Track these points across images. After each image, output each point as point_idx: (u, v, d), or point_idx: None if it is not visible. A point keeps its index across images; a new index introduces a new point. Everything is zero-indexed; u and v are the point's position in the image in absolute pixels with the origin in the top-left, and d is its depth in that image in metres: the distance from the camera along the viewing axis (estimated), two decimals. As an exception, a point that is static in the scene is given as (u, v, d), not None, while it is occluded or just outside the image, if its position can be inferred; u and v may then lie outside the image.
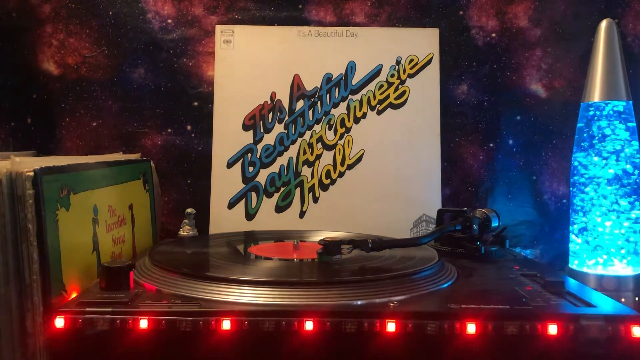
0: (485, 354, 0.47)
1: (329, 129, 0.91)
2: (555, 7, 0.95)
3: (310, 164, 0.91)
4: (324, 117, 0.91)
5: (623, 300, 0.75)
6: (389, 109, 0.91)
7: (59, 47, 0.95)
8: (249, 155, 0.90)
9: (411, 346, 0.47)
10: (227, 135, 0.90)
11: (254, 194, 0.90)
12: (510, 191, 0.97)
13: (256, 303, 0.49)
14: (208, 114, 0.92)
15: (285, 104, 0.91)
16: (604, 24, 0.80)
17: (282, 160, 0.91)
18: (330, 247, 0.61)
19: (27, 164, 0.54)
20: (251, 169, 0.90)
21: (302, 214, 0.90)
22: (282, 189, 0.90)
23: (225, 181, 0.90)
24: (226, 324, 0.46)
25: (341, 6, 0.95)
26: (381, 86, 0.91)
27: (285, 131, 0.91)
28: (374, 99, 0.91)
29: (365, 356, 0.47)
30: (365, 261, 0.62)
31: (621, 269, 0.77)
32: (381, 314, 0.47)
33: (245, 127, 0.91)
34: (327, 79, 0.91)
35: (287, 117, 0.91)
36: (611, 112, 0.79)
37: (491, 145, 0.96)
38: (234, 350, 0.46)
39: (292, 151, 0.91)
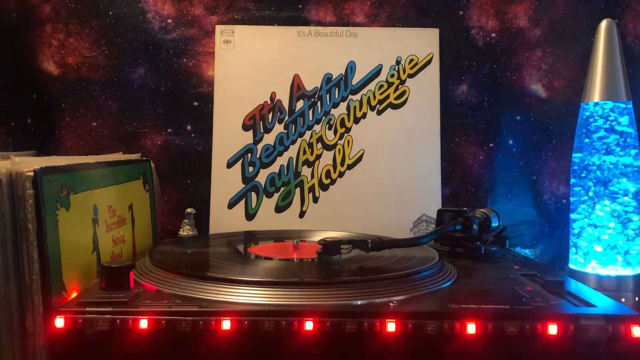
0: (485, 354, 0.47)
1: (329, 129, 0.91)
2: (555, 7, 0.95)
3: (310, 164, 0.91)
4: (324, 117, 0.91)
5: (623, 300, 0.75)
6: (389, 109, 0.91)
7: (59, 47, 0.95)
8: (249, 155, 0.90)
9: (411, 346, 0.47)
10: (227, 135, 0.90)
11: (254, 194, 0.90)
12: (510, 191, 0.97)
13: (256, 303, 0.49)
14: (208, 114, 0.92)
15: (285, 104, 0.91)
16: (604, 24, 0.80)
17: (282, 160, 0.91)
18: (330, 247, 0.61)
19: (27, 164, 0.53)
20: (251, 169, 0.90)
21: (302, 214, 0.90)
22: (282, 189, 0.90)
23: (225, 181, 0.90)
24: (226, 324, 0.46)
25: (341, 6, 0.95)
26: (381, 86, 0.91)
27: (285, 131, 0.91)
28: (374, 99, 0.91)
29: (365, 356, 0.47)
30: (365, 261, 0.62)
31: (621, 269, 0.77)
32: (381, 314, 0.47)
33: (245, 127, 0.91)
34: (327, 79, 0.91)
35: (287, 117, 0.91)
36: (611, 112, 0.79)
37: (491, 145, 0.96)
38: (234, 350, 0.46)
39: (292, 151, 0.91)
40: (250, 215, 0.89)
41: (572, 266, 0.82)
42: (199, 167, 0.94)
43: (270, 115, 0.91)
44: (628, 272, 0.77)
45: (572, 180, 0.83)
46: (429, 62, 0.92)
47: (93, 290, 0.53)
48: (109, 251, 0.67)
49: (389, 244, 0.64)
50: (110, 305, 0.48)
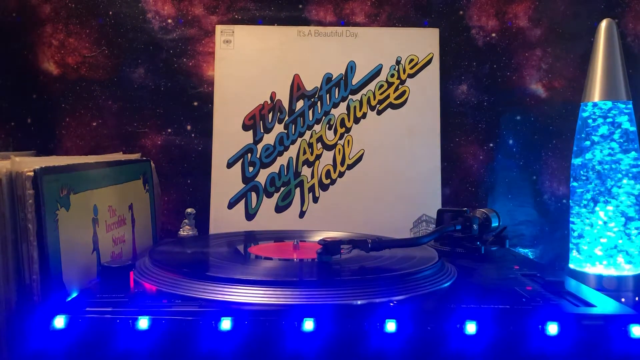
0: (485, 354, 0.47)
1: (329, 129, 0.91)
2: (555, 7, 0.95)
3: (310, 164, 0.91)
4: (324, 117, 0.91)
5: (623, 300, 0.75)
6: (389, 109, 0.91)
7: (59, 47, 0.95)
8: (249, 155, 0.90)
9: (411, 346, 0.47)
10: (227, 135, 0.90)
11: (254, 194, 0.90)
12: (510, 191, 0.97)
13: (256, 303, 0.49)
14: (208, 114, 0.92)
15: (285, 104, 0.91)
16: (604, 24, 0.80)
17: (282, 160, 0.91)
18: (330, 247, 0.60)
19: (27, 164, 0.53)
20: (251, 168, 0.90)
21: (302, 214, 0.90)
22: (282, 189, 0.90)
23: (225, 181, 0.90)
24: (226, 324, 0.46)
25: (341, 6, 0.95)
26: (381, 86, 0.91)
27: (285, 131, 0.91)
28: (374, 99, 0.91)
29: (365, 356, 0.47)
30: (365, 261, 0.62)
31: (621, 268, 0.77)
32: (381, 314, 0.47)
33: (245, 127, 0.91)
34: (327, 79, 0.91)
35: (287, 117, 0.91)
36: (611, 112, 0.79)
37: (491, 145, 0.96)
38: (234, 350, 0.46)
39: (292, 151, 0.91)
40: (250, 215, 0.89)
41: (572, 266, 0.82)
42: (199, 167, 0.94)
43: (270, 115, 0.91)
44: (628, 272, 0.77)
45: (572, 181, 0.83)
46: (429, 62, 0.92)
47: (93, 290, 0.53)
48: (109, 251, 0.67)
49: (389, 244, 0.64)
50: (110, 305, 0.48)
